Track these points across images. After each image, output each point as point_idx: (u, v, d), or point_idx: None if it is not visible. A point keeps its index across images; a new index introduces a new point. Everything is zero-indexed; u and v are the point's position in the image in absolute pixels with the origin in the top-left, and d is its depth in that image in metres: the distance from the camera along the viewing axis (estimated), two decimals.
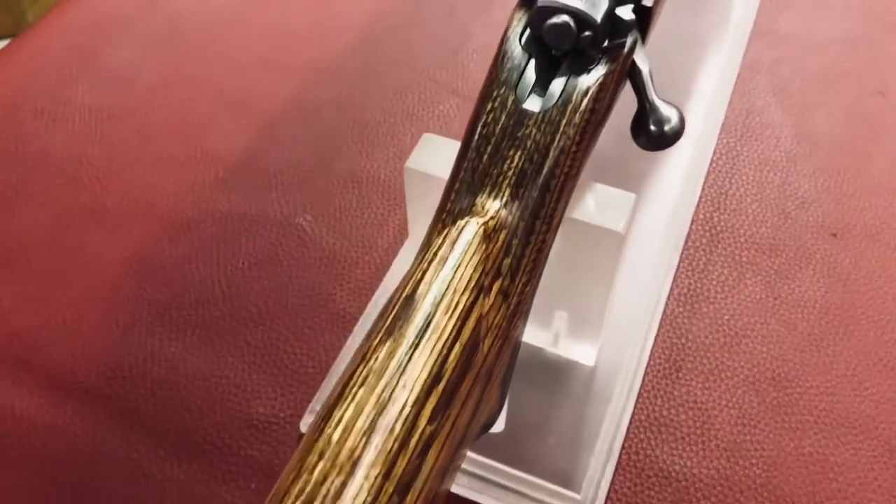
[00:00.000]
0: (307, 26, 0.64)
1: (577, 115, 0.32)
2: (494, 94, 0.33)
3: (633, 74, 0.34)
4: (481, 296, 0.29)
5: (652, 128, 0.34)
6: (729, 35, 0.59)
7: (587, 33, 0.32)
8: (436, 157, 0.36)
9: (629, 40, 0.33)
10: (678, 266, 0.49)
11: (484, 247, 0.29)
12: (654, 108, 0.34)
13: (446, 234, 0.29)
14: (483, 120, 0.32)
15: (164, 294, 0.48)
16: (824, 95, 0.58)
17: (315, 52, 0.62)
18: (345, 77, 0.60)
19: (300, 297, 0.47)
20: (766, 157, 0.54)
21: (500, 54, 0.33)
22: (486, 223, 0.30)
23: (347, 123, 0.57)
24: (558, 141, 0.31)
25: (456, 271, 0.28)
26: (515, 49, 0.33)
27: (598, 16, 0.32)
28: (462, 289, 0.28)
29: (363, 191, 0.53)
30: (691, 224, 0.50)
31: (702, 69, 0.57)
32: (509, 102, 0.32)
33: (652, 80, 0.35)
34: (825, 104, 0.58)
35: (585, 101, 0.32)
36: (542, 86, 0.32)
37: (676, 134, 0.35)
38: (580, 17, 0.31)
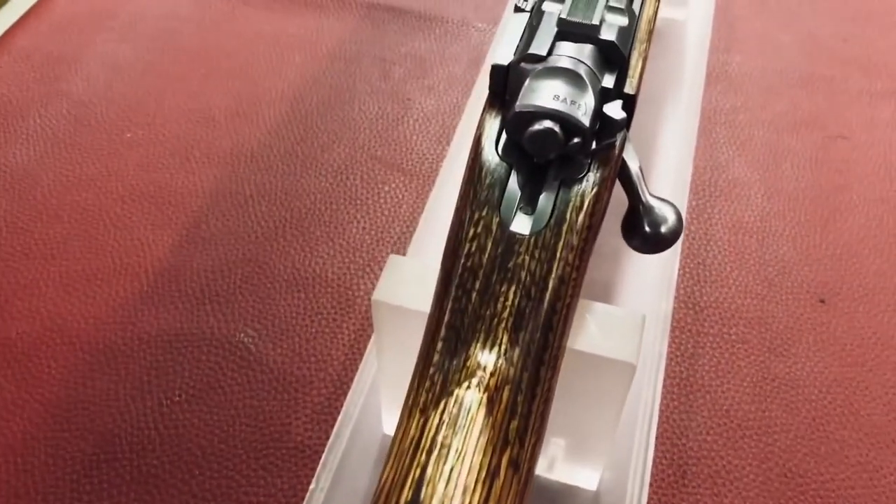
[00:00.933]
0: (227, 107, 0.58)
1: (574, 235, 0.27)
2: (476, 216, 0.28)
3: (623, 173, 0.30)
4: (494, 481, 0.23)
5: (647, 230, 0.31)
6: (686, 82, 0.56)
7: (576, 140, 0.27)
8: (407, 284, 0.31)
9: (619, 139, 0.29)
10: (667, 354, 0.44)
11: (488, 418, 0.24)
12: (648, 209, 0.30)
13: (444, 409, 0.24)
14: (466, 249, 0.27)
15: (89, 443, 0.41)
16: (787, 145, 0.56)
17: (238, 135, 0.56)
18: (275, 162, 0.54)
19: (250, 431, 0.41)
20: (739, 219, 0.51)
21: (477, 168, 0.29)
22: (486, 385, 0.25)
23: (284, 215, 0.51)
24: (557, 269, 0.27)
25: (463, 462, 0.23)
26: (492, 159, 0.28)
27: (587, 119, 0.27)
28: (472, 485, 0.23)
29: (310, 294, 0.47)
30: (674, 302, 0.46)
31: (663, 123, 0.54)
32: (494, 226, 0.27)
33: (643, 177, 0.30)
34: (790, 154, 0.55)
35: (581, 216, 0.27)
36: (528, 201, 0.28)
37: (675, 234, 0.31)
38: (567, 122, 0.27)
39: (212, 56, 0.62)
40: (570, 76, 0.28)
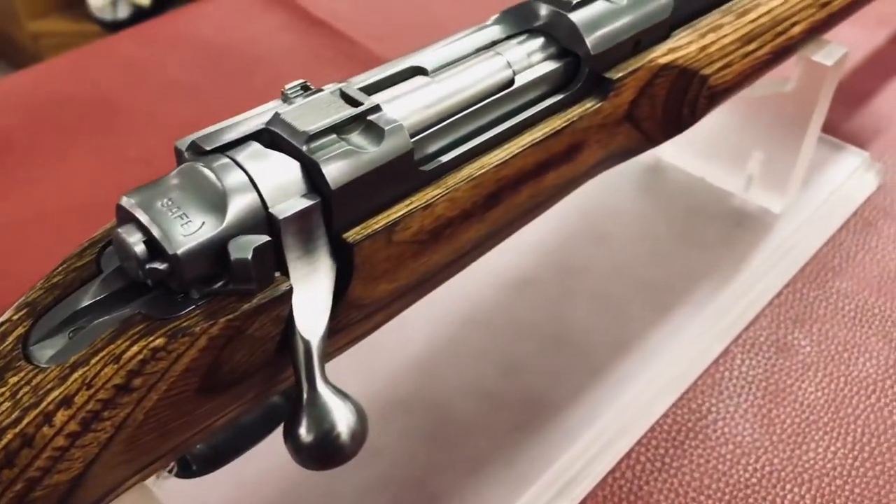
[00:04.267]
0: None
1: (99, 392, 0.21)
2: (23, 301, 0.24)
3: (289, 341, 0.24)
4: None
5: (301, 431, 0.23)
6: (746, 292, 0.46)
7: (159, 265, 0.22)
8: None
9: (275, 292, 0.23)
10: None
11: None
12: (312, 401, 0.23)
13: None
14: None
15: None
16: None
17: None
18: None
19: None
20: None
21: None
22: None
23: None
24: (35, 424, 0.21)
25: None
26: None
27: (187, 242, 0.22)
28: None
29: None
30: None
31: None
32: (19, 329, 0.23)
33: (318, 355, 0.24)
34: None
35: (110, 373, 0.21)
36: (69, 322, 0.23)
37: (343, 447, 0.23)
38: (151, 238, 0.22)
39: None
40: (205, 183, 0.23)
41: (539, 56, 0.31)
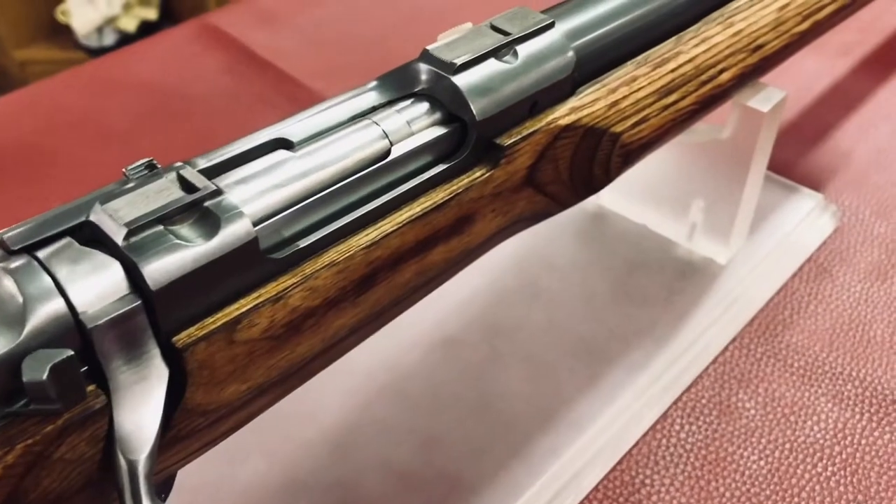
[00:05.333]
0: None
1: None
2: None
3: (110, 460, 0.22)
4: None
5: None
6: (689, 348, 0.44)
7: None
8: None
9: (79, 409, 0.21)
10: None
11: None
12: None
13: None
14: None
15: None
16: None
17: None
18: None
19: None
20: None
21: None
22: None
23: None
24: None
25: None
26: None
27: None
28: None
29: None
30: None
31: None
32: None
33: (145, 476, 0.22)
34: None
35: None
36: None
37: None
38: None
39: None
40: (1, 290, 0.20)
41: (422, 123, 0.29)
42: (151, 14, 1.93)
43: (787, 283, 0.49)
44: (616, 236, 0.49)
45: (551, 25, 0.31)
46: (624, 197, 0.50)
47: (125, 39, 1.86)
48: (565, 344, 0.43)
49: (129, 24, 1.90)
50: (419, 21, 0.73)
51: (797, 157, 0.58)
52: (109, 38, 1.90)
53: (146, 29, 1.91)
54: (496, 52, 0.30)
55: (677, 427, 0.42)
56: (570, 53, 0.31)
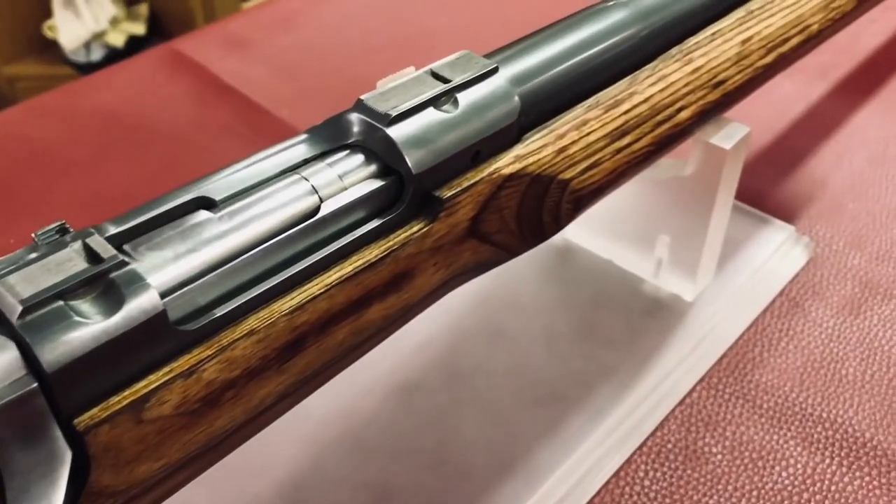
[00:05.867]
0: None
1: None
2: None
3: None
4: None
5: None
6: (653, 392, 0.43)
7: None
8: None
9: None
10: None
11: None
12: None
13: None
14: None
15: None
16: None
17: None
18: None
19: None
20: None
21: None
22: None
23: None
24: None
25: None
26: None
27: None
28: None
29: None
30: None
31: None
32: None
33: None
34: None
35: None
36: None
37: None
38: None
39: None
40: None
41: (355, 176, 0.27)
42: (139, 29, 1.92)
43: (757, 319, 0.48)
44: (582, 272, 0.48)
45: (495, 71, 0.30)
46: (590, 231, 0.49)
47: (113, 55, 1.85)
48: (526, 388, 0.42)
49: (117, 39, 1.89)
50: (389, 48, 0.72)
51: (770, 185, 0.57)
52: (97, 54, 1.89)
53: (134, 44, 1.90)
54: (435, 101, 0.28)
55: (641, 474, 0.40)
56: (515, 100, 0.30)
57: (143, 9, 1.93)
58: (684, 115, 0.37)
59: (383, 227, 0.27)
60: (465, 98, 0.29)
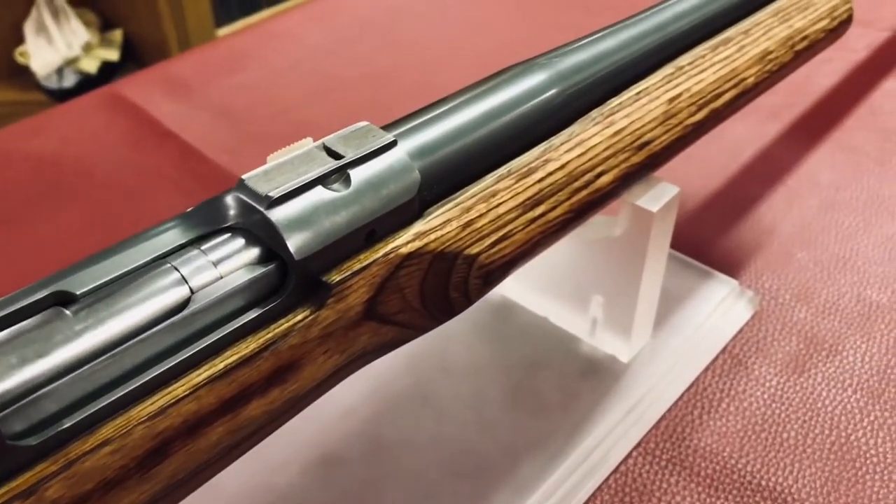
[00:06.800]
0: None
1: None
2: None
3: None
4: None
5: None
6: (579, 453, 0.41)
7: None
8: None
9: None
10: None
11: None
12: None
13: None
14: None
15: None
16: None
17: None
18: None
19: None
20: None
21: None
22: None
23: None
24: None
25: None
26: None
27: None
28: None
29: None
30: None
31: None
32: None
33: None
34: None
35: None
36: None
37: None
38: None
39: None
40: None
41: (233, 263, 0.25)
42: (113, 55, 1.91)
43: (698, 379, 0.46)
44: (518, 331, 0.46)
45: (393, 144, 0.29)
46: (527, 287, 0.47)
47: (86, 81, 1.83)
48: (452, 460, 0.40)
49: (90, 65, 1.88)
50: (335, 91, 0.71)
51: (717, 234, 0.56)
52: (70, 80, 1.87)
53: (108, 70, 1.88)
54: (324, 179, 0.27)
55: None
56: (415, 174, 0.29)
57: (117, 35, 1.92)
58: (605, 179, 0.35)
59: (263, 317, 0.25)
60: (359, 174, 0.27)
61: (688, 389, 0.46)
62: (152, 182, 0.62)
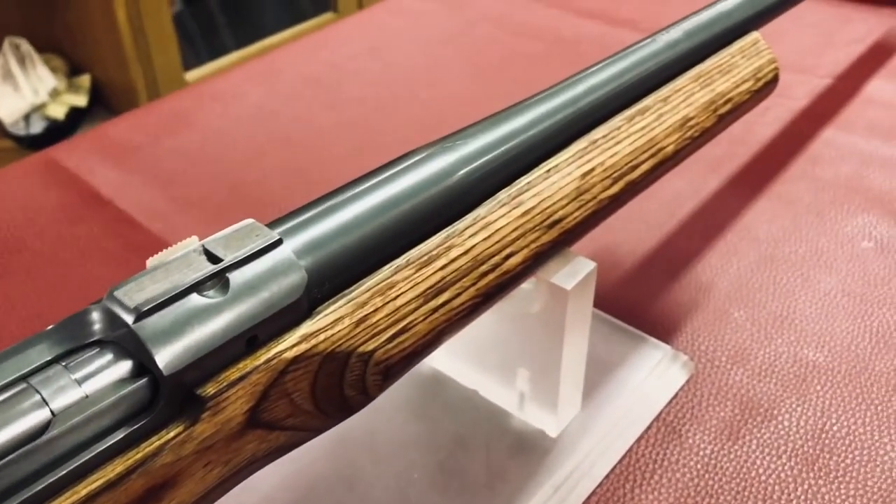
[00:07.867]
0: None
1: None
2: None
3: None
4: None
5: None
6: None
7: None
8: None
9: None
10: None
11: None
12: None
13: None
14: None
15: None
16: None
17: None
18: None
19: None
20: None
21: None
22: None
23: None
24: None
25: None
26: None
27: None
28: None
29: None
30: None
31: None
32: None
33: None
34: None
35: None
36: None
37: None
38: None
39: None
40: None
41: (99, 381, 0.24)
42: (81, 101, 1.90)
43: (631, 449, 0.45)
44: (448, 405, 0.45)
45: (278, 243, 0.28)
46: (457, 360, 0.46)
47: (54, 127, 1.82)
48: None
49: (58, 111, 1.86)
50: (275, 151, 0.70)
51: (652, 295, 0.55)
52: (37, 126, 1.86)
53: (76, 115, 1.87)
54: (199, 286, 0.26)
55: None
56: (301, 273, 0.28)
57: (85, 80, 1.91)
58: (514, 261, 0.35)
59: (131, 437, 0.24)
60: (238, 278, 0.26)
61: (620, 461, 0.45)
62: (84, 251, 0.60)
